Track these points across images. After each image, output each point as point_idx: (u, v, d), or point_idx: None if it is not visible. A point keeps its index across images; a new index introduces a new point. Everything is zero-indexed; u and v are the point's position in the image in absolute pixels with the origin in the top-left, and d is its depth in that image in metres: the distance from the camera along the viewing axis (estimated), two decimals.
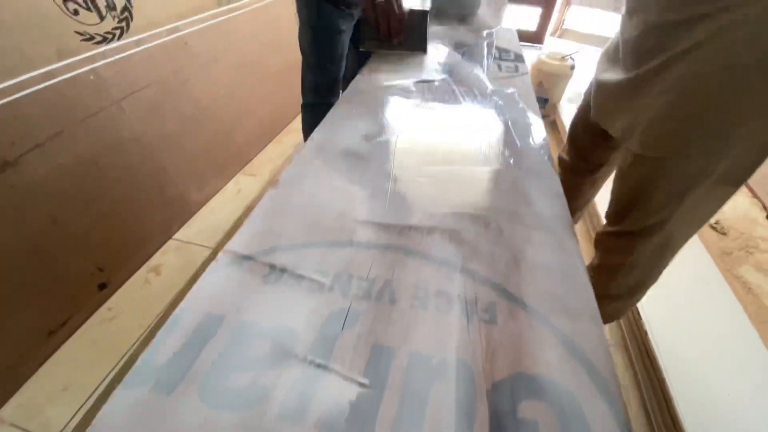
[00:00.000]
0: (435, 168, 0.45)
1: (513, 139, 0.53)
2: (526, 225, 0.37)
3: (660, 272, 0.83)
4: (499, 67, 0.77)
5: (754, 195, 1.84)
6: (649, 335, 1.04)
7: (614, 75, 0.67)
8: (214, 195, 1.52)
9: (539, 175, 0.47)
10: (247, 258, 0.33)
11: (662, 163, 0.65)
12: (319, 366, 0.26)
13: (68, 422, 0.88)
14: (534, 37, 3.62)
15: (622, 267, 0.80)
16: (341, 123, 0.54)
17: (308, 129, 1.30)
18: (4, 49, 0.99)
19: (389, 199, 0.41)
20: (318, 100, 1.19)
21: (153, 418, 0.24)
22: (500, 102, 0.61)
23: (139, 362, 0.26)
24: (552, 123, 2.27)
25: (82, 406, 0.90)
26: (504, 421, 0.24)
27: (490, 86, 0.66)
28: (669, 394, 0.92)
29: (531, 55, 2.30)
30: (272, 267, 0.32)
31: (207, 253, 1.27)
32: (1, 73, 0.98)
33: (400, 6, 0.83)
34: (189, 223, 1.39)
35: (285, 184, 0.42)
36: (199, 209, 1.45)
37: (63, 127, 1.03)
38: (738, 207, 1.77)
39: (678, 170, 0.64)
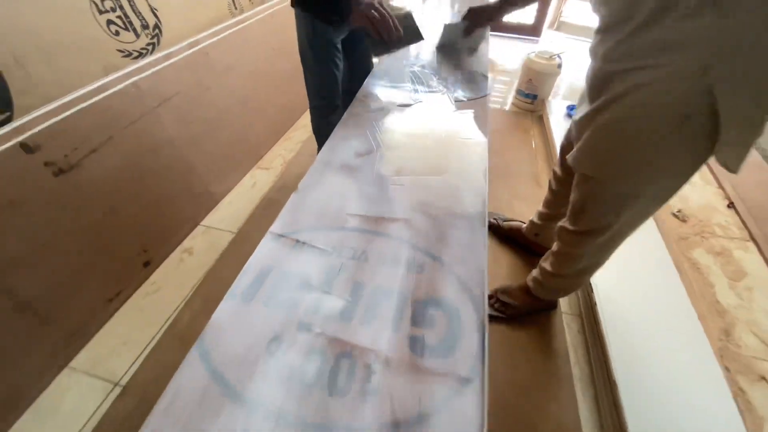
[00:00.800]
0: (402, 177, 0.66)
1: (460, 155, 0.74)
2: (455, 215, 0.58)
3: (604, 261, 1.03)
4: (466, 89, 0.97)
5: (720, 185, 2.01)
6: (597, 306, 1.25)
7: (581, 109, 0.83)
8: (233, 187, 1.74)
9: (472, 183, 0.67)
10: (282, 236, 0.54)
11: (600, 184, 0.82)
12: (324, 292, 0.48)
13: (127, 370, 1.12)
14: (531, 30, 3.73)
15: (573, 255, 1.01)
16: (341, 143, 0.75)
17: (316, 129, 1.49)
18: (62, 68, 1.20)
19: (370, 200, 0.61)
20: (322, 102, 1.37)
21: (240, 316, 0.46)
22: (458, 123, 0.82)
23: (230, 289, 0.47)
24: (539, 118, 2.43)
25: (138, 358, 1.14)
26: (419, 317, 0.45)
27: (454, 108, 0.87)
28: (607, 353, 1.13)
29: (524, 50, 2.45)
30: (297, 241, 0.54)
31: (230, 237, 1.50)
32: (61, 88, 1.19)
33: (382, 13, 0.92)
34: (213, 211, 1.61)
35: (302, 190, 0.63)
36: (221, 200, 1.67)
37: (112, 134, 1.24)
38: (703, 196, 1.94)
39: (612, 190, 0.81)
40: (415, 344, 0.42)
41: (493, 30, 3.73)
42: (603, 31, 0.73)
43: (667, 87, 0.63)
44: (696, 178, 2.12)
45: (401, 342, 0.42)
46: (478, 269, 0.49)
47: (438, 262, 0.51)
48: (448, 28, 1.26)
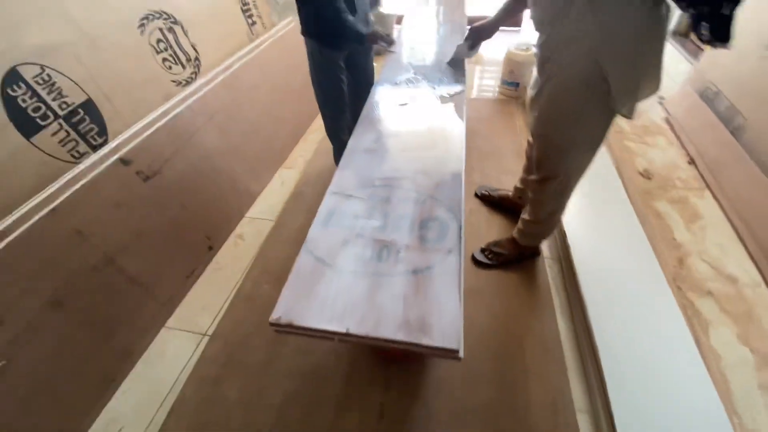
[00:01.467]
0: (406, 153, 0.99)
1: (444, 136, 1.06)
2: (442, 173, 0.91)
3: (564, 204, 1.35)
4: (447, 88, 1.30)
5: (682, 146, 2.30)
6: (571, 249, 1.56)
7: (534, 89, 1.14)
8: (266, 185, 2.08)
9: (453, 153, 1.00)
10: (337, 193, 0.88)
11: (546, 138, 1.16)
12: (368, 218, 0.81)
13: (210, 324, 1.46)
14: (513, 22, 4.02)
15: (539, 201, 1.34)
16: (362, 134, 1.08)
17: (330, 131, 1.81)
18: (136, 99, 1.55)
19: (386, 168, 0.94)
20: (332, 111, 1.68)
21: (323, 232, 0.79)
22: (442, 114, 1.15)
23: (314, 220, 0.80)
24: (522, 103, 2.73)
25: (216, 316, 1.48)
26: (423, 226, 0.78)
27: (439, 103, 1.20)
28: (579, 283, 1.44)
29: (507, 42, 2.73)
30: (347, 195, 0.87)
31: (271, 224, 1.83)
32: (137, 115, 1.53)
33: (382, 36, 1.43)
34: (254, 205, 1.96)
35: (341, 168, 0.97)
36: (258, 195, 2.01)
37: (178, 147, 1.59)
38: (667, 156, 2.22)
39: (555, 143, 1.14)
40: (422, 239, 0.74)
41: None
42: (537, 31, 1.06)
43: (575, 66, 0.94)
44: (662, 141, 2.42)
45: (414, 238, 0.75)
46: (457, 201, 0.81)
47: (433, 199, 0.83)
48: (459, 48, 1.51)
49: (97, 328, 1.27)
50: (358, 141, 1.05)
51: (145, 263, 1.43)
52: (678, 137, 2.35)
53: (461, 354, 0.57)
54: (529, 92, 1.19)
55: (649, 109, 2.63)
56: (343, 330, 0.60)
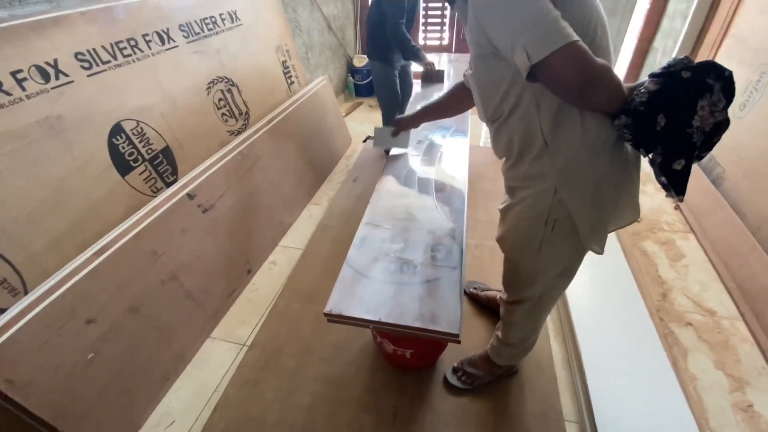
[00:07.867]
0: (422, 194, 1.29)
1: (451, 182, 1.36)
2: (449, 211, 1.19)
3: (539, 327, 1.24)
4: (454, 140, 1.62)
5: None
6: None
7: (501, 204, 1.04)
8: (297, 218, 2.38)
9: (457, 195, 1.29)
10: (369, 223, 1.16)
11: (512, 263, 1.05)
12: (392, 242, 1.08)
13: (249, 336, 1.70)
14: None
15: (511, 323, 1.20)
16: (387, 179, 1.38)
17: (385, 118, 2.42)
18: (200, 146, 1.89)
19: (407, 207, 1.24)
20: (391, 115, 2.35)
21: (359, 252, 1.06)
22: (450, 164, 1.47)
23: (351, 245, 1.06)
24: None
25: (254, 329, 1.72)
26: (434, 250, 1.05)
27: (447, 155, 1.52)
28: (570, 312, 1.65)
29: None
30: (375, 225, 1.14)
31: (300, 252, 2.11)
32: (200, 158, 1.87)
33: (434, 68, 2.28)
34: (286, 235, 2.24)
35: (371, 205, 1.26)
36: (290, 227, 2.31)
37: (229, 186, 1.91)
38: (655, 201, 2.46)
39: (524, 269, 1.03)
40: (433, 258, 1.00)
41: None
42: (500, 159, 1.00)
43: (538, 201, 0.87)
44: (651, 188, 2.67)
45: (427, 257, 1.01)
46: (459, 232, 1.08)
47: (442, 229, 1.11)
48: (378, 131, 1.56)
49: (160, 333, 1.52)
50: (383, 185, 1.35)
51: (199, 281, 1.70)
52: None
53: (460, 338, 0.81)
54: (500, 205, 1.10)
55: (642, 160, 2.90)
56: (376, 319, 0.85)
